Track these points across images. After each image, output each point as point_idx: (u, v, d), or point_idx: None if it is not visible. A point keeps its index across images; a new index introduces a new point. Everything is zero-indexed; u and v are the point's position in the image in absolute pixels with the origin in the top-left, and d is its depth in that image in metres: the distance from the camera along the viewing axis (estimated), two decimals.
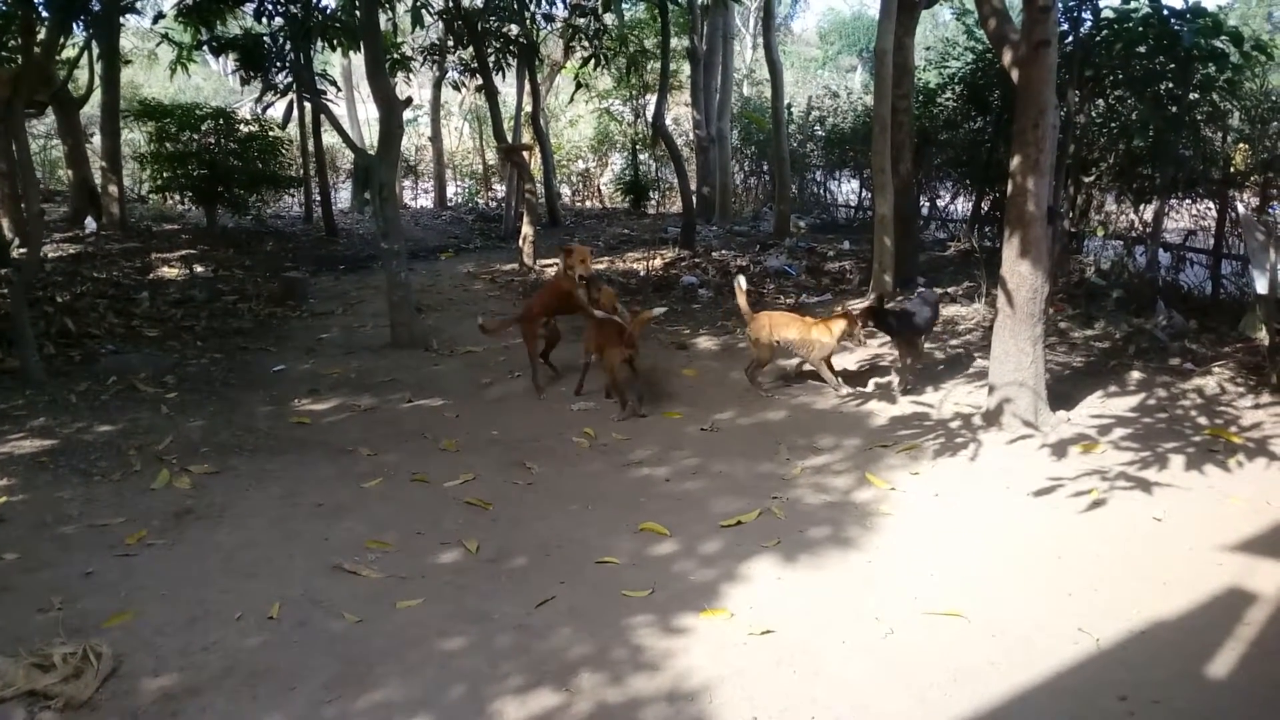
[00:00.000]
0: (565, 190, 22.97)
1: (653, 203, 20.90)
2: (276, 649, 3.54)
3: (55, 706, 3.12)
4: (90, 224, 14.06)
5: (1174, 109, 8.59)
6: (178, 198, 15.48)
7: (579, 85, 17.12)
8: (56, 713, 3.11)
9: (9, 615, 3.78)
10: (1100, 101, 9.58)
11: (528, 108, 16.70)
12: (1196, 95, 8.59)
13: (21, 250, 10.73)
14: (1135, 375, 6.76)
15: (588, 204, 22.95)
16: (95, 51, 13.76)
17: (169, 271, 11.47)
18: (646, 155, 21.17)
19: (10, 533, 4.58)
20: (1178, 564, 4.06)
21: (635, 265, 12.49)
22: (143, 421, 6.26)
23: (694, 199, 15.15)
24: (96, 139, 15.45)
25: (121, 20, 13.79)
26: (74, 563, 4.27)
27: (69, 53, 13.52)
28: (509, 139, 15.24)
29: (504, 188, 18.46)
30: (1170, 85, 8.71)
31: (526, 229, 12.58)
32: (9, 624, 3.69)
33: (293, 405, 6.78)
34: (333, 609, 3.84)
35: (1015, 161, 5.68)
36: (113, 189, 14.20)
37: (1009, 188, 5.76)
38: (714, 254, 13.14)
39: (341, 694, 3.25)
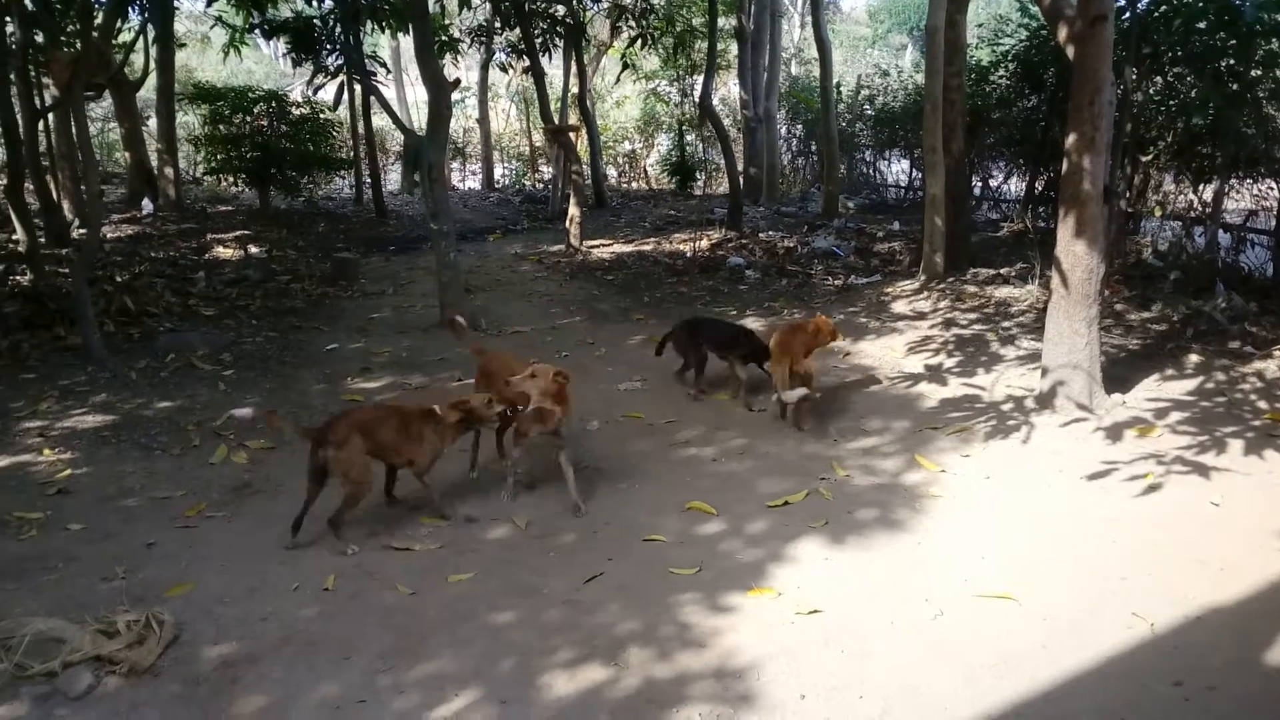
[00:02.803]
0: (611, 171, 22.96)
1: (699, 184, 20.82)
2: (332, 620, 3.63)
3: (120, 672, 3.23)
4: (147, 205, 14.34)
5: (1235, 86, 8.37)
6: (231, 179, 15.73)
7: (625, 65, 17.06)
8: (121, 678, 3.22)
9: (75, 583, 3.91)
10: (1158, 78, 9.37)
11: (574, 89, 16.69)
12: (1259, 72, 8.36)
13: (81, 231, 10.97)
14: (1193, 358, 6.62)
15: (634, 185, 22.93)
16: (150, 35, 13.99)
17: (224, 252, 11.68)
18: (693, 136, 21.07)
19: (75, 504, 4.73)
20: (1235, 550, 3.99)
21: (682, 246, 12.46)
22: (201, 398, 6.40)
23: (741, 180, 15.07)
24: (152, 122, 15.77)
25: (175, 4, 13.99)
26: (136, 534, 4.40)
27: (125, 37, 13.76)
28: (556, 120, 15.26)
29: (550, 169, 18.50)
30: (1231, 61, 8.48)
31: (573, 210, 12.60)
32: (75, 592, 3.82)
33: (345, 383, 6.89)
34: (386, 581, 3.92)
35: (1071, 140, 5.58)
36: (169, 171, 14.47)
37: (1064, 166, 5.67)
38: (761, 235, 13.08)
39: (395, 664, 3.32)
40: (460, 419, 4.51)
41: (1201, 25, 8.45)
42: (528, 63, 14.14)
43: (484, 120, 22.48)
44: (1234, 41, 8.27)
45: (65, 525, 4.47)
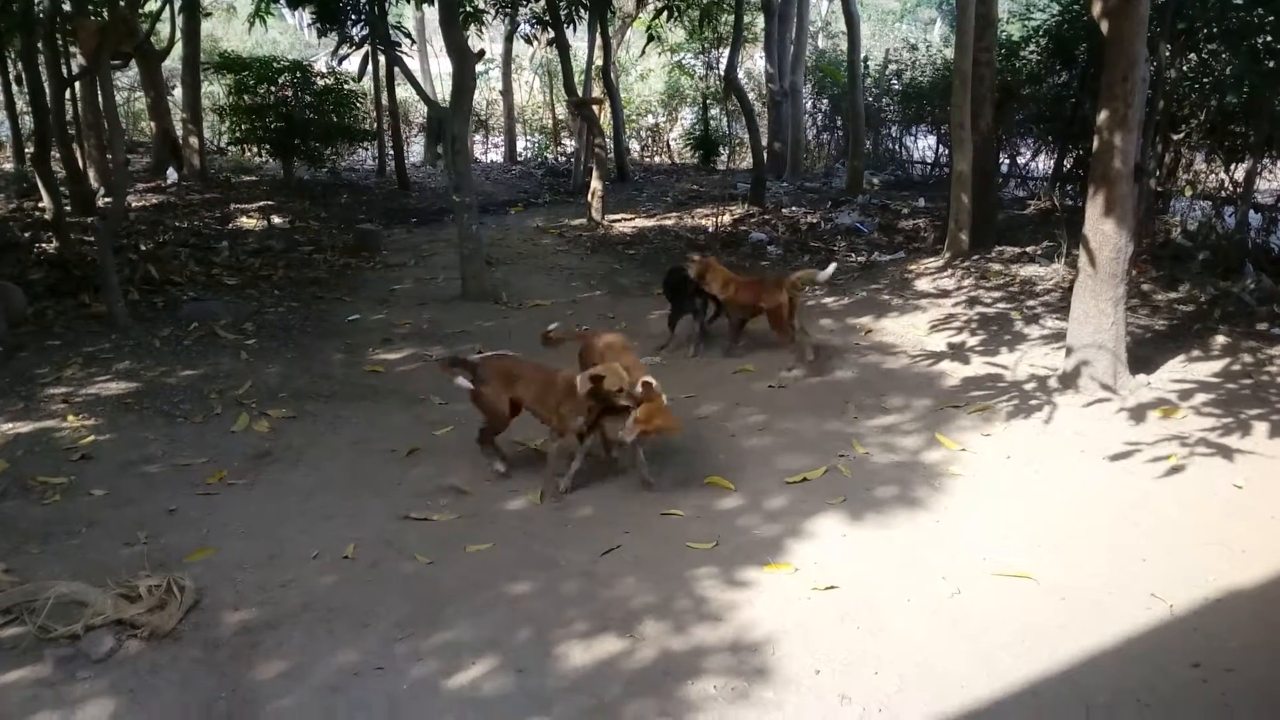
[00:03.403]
0: (634, 145, 22.80)
1: (722, 158, 20.66)
2: (351, 587, 3.66)
3: (141, 635, 3.27)
4: (172, 175, 14.40)
5: (1271, 63, 8.19)
6: (255, 150, 15.75)
7: (650, 38, 16.92)
8: (142, 641, 3.26)
9: (98, 548, 3.96)
10: (1192, 55, 9.17)
11: (599, 61, 16.59)
12: None
13: (107, 200, 11.05)
14: (1220, 340, 6.53)
15: (656, 159, 22.79)
16: (177, 4, 13.98)
17: (247, 222, 11.72)
18: (717, 110, 20.90)
19: (98, 470, 4.78)
20: (1258, 532, 3.95)
21: (704, 221, 12.40)
22: (223, 367, 6.45)
23: (765, 154, 14.94)
24: (178, 91, 15.78)
25: None
26: (158, 500, 4.45)
27: (151, 6, 13.76)
28: (579, 93, 15.16)
29: (573, 142, 18.41)
30: (1268, 38, 8.28)
31: (595, 184, 12.55)
32: (98, 556, 3.87)
33: (367, 354, 6.92)
34: (405, 550, 3.95)
35: (1102, 116, 5.49)
36: (193, 140, 14.52)
37: (1095, 144, 5.58)
38: (784, 210, 12.99)
39: (413, 632, 3.35)
40: (590, 390, 4.44)
41: (1238, 1, 8.27)
42: (552, 35, 14.04)
43: (507, 92, 22.36)
44: (1271, 18, 8.08)
45: (88, 490, 4.53)
